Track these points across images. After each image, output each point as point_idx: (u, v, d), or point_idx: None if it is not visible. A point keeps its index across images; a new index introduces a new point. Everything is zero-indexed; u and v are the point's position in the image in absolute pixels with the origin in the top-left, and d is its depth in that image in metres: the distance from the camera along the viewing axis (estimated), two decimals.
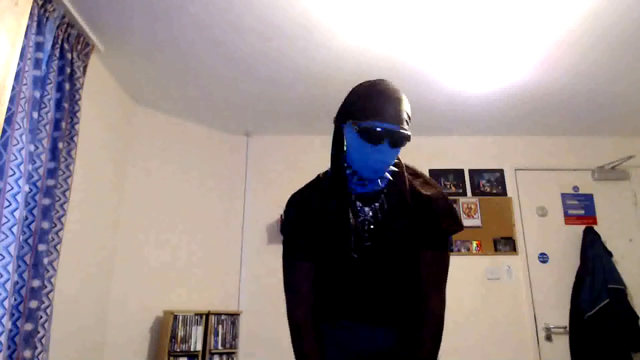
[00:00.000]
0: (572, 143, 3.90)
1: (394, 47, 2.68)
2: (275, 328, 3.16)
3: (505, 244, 3.65)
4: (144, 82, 3.14)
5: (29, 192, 2.08)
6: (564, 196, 3.76)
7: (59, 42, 2.28)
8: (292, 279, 1.32)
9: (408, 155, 1.43)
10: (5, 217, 1.83)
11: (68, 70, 2.35)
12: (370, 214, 1.28)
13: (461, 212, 3.71)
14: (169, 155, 3.57)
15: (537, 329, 3.44)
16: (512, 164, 3.86)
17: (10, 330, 1.95)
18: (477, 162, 3.88)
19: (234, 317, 3.24)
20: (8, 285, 1.82)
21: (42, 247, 2.09)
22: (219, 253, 3.62)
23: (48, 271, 2.15)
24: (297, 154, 3.89)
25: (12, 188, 1.86)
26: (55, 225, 2.22)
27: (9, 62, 1.62)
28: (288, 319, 1.30)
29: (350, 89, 1.29)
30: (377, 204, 1.28)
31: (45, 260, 2.10)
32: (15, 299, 1.98)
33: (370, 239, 1.25)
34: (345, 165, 1.29)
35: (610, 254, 3.42)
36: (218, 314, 3.18)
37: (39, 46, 2.09)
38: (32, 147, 2.05)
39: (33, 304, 2.03)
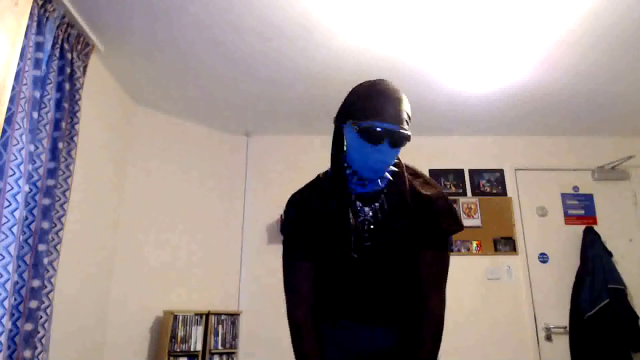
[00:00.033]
0: (572, 143, 3.90)
1: (394, 47, 2.68)
2: (275, 328, 3.16)
3: (505, 244, 3.65)
4: (144, 82, 3.14)
5: (29, 192, 2.08)
6: (564, 196, 3.76)
7: (59, 42, 2.28)
8: (292, 279, 1.32)
9: (408, 155, 1.43)
10: (5, 217, 1.83)
11: (68, 70, 2.35)
12: (370, 214, 1.28)
13: (461, 212, 3.71)
14: (169, 155, 3.57)
15: (537, 329, 3.44)
16: (512, 164, 3.86)
17: (10, 330, 1.95)
18: (477, 162, 3.88)
19: (234, 317, 3.24)
20: (8, 285, 1.82)
21: (42, 247, 2.09)
22: (219, 253, 3.62)
23: (48, 271, 2.15)
24: (297, 154, 3.89)
25: (12, 188, 1.86)
26: (55, 225, 2.22)
27: (9, 62, 1.62)
28: (288, 319, 1.30)
29: (350, 89, 1.29)
30: (377, 204, 1.28)
31: (45, 260, 2.10)
32: (15, 299, 1.98)
33: (370, 239, 1.25)
34: (345, 165, 1.29)
35: (610, 254, 3.42)
36: (218, 314, 3.18)
37: (39, 46, 2.09)
38: (32, 147, 2.05)
39: (33, 304, 2.03)
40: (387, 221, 1.27)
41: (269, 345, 3.34)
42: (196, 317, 3.10)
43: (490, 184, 3.82)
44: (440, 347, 1.24)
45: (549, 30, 2.51)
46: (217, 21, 2.47)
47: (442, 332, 1.24)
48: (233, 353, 3.14)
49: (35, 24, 2.03)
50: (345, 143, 1.28)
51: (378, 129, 1.16)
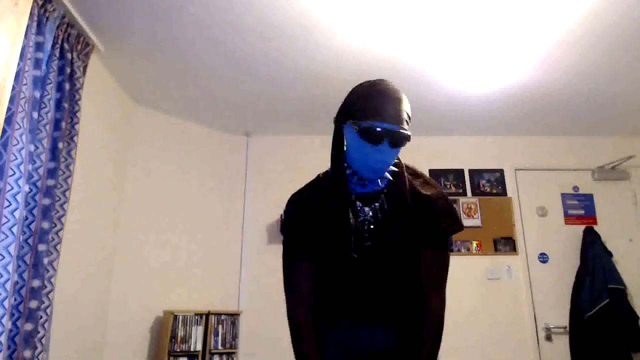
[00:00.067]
0: (572, 143, 3.90)
1: (394, 47, 2.68)
2: (275, 328, 3.16)
3: (505, 244, 3.65)
4: (144, 82, 3.14)
5: (29, 192, 2.08)
6: (564, 196, 3.76)
7: (59, 42, 2.28)
8: (292, 279, 1.32)
9: (408, 155, 1.43)
10: (5, 217, 1.83)
11: (68, 70, 2.35)
12: (370, 214, 1.28)
13: (461, 212, 3.71)
14: (169, 155, 3.57)
15: (537, 329, 3.44)
16: (512, 164, 3.86)
17: (10, 330, 1.95)
18: (477, 162, 3.88)
19: (234, 317, 3.24)
20: (8, 285, 1.82)
21: (42, 247, 2.09)
22: (219, 253, 3.62)
23: (48, 271, 2.15)
24: (297, 154, 3.89)
25: (12, 188, 1.86)
26: (55, 225, 2.22)
27: (9, 62, 1.62)
28: (288, 319, 1.30)
29: (350, 89, 1.29)
30: (377, 204, 1.28)
31: (45, 260, 2.10)
32: (15, 299, 1.98)
33: (370, 239, 1.25)
34: (345, 165, 1.29)
35: (610, 254, 3.42)
36: (218, 314, 3.18)
37: (39, 46, 2.09)
38: (32, 147, 2.05)
39: (33, 304, 2.03)
40: (387, 221, 1.27)
41: (269, 345, 3.34)
42: (196, 317, 3.10)
43: (490, 184, 3.82)
44: (440, 347, 1.24)
45: (549, 30, 2.51)
46: (217, 21, 2.47)
47: (442, 332, 1.24)
48: (233, 353, 3.14)
49: (35, 24, 2.03)
50: (345, 143, 1.28)
51: (378, 129, 1.16)
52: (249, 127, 3.84)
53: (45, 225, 2.12)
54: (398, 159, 1.33)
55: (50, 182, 2.19)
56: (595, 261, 3.35)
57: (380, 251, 1.25)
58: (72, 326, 2.59)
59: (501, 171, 3.85)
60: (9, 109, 1.83)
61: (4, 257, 1.82)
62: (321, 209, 1.29)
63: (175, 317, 3.03)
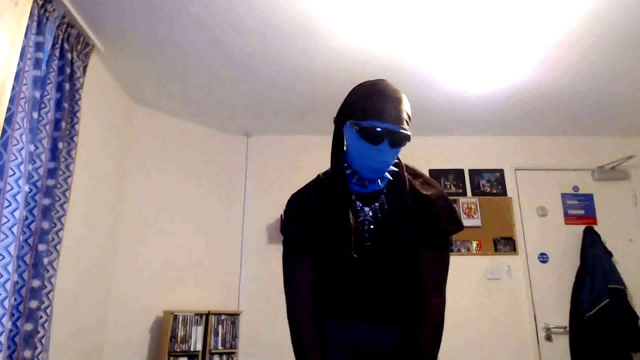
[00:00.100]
0: (572, 143, 3.90)
1: (394, 47, 2.68)
2: (275, 328, 3.16)
3: (505, 244, 3.65)
4: (144, 82, 3.14)
5: (29, 192, 2.08)
6: (564, 196, 3.76)
7: (59, 42, 2.28)
8: (292, 279, 1.32)
9: (408, 155, 1.43)
10: (5, 217, 1.83)
11: (68, 70, 2.35)
12: (370, 214, 1.28)
13: (461, 212, 3.71)
14: (169, 155, 3.57)
15: (537, 329, 3.44)
16: (512, 164, 3.86)
17: (10, 330, 1.95)
18: (477, 162, 3.88)
19: (234, 317, 3.24)
20: (8, 285, 1.81)
21: (42, 247, 2.09)
22: (219, 253, 3.62)
23: (48, 271, 2.15)
24: (297, 154, 3.89)
25: (12, 188, 1.86)
26: (55, 225, 2.22)
27: (9, 62, 1.62)
28: (288, 319, 1.30)
29: (350, 89, 1.29)
30: (377, 204, 1.28)
31: (45, 260, 2.10)
32: (15, 299, 1.98)
33: (370, 239, 1.25)
34: (345, 165, 1.29)
35: (610, 254, 3.42)
36: (218, 314, 3.19)
37: (39, 46, 2.09)
38: (32, 147, 2.05)
39: (33, 304, 2.03)
40: (387, 221, 1.27)
41: (269, 345, 3.34)
42: (196, 317, 3.10)
43: (490, 184, 3.82)
44: (440, 347, 1.24)
45: (549, 30, 2.51)
46: (217, 21, 2.47)
47: (442, 332, 1.24)
48: (233, 353, 3.14)
49: (35, 24, 2.03)
50: (345, 143, 1.28)
51: (378, 129, 1.16)
52: (249, 127, 3.84)
53: (45, 225, 2.12)
54: (398, 159, 1.33)
55: (50, 182, 2.19)
56: (595, 261, 3.35)
57: (380, 251, 1.25)
58: (72, 326, 2.59)
59: (501, 171, 3.85)
60: (9, 109, 1.83)
61: (4, 257, 1.82)
62: (321, 209, 1.29)
63: (175, 317, 3.03)
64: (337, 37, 2.60)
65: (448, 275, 1.30)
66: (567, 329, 3.36)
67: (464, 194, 3.78)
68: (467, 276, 3.55)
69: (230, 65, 2.89)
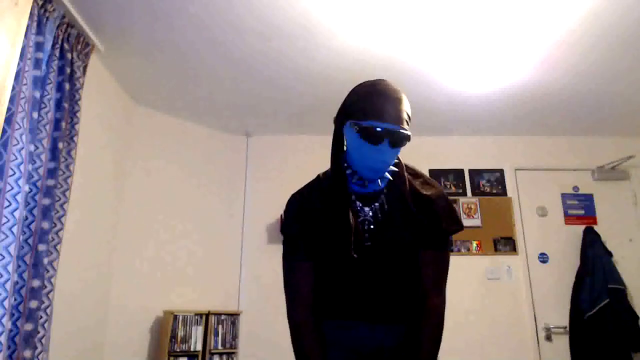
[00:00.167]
0: (572, 143, 3.90)
1: (394, 47, 2.68)
2: (275, 328, 3.16)
3: (505, 244, 3.65)
4: (144, 82, 3.14)
5: (29, 192, 2.08)
6: (564, 196, 3.76)
7: (59, 42, 2.28)
8: (292, 279, 1.32)
9: (408, 155, 1.43)
10: (5, 217, 1.83)
11: (68, 70, 2.35)
12: (370, 214, 1.28)
13: (461, 212, 3.71)
14: (169, 155, 3.57)
15: (537, 329, 3.44)
16: (512, 164, 3.86)
17: (10, 330, 1.95)
18: (477, 162, 3.88)
19: (234, 317, 3.24)
20: (8, 285, 1.81)
21: (42, 247, 2.09)
22: (219, 253, 3.62)
23: (48, 271, 2.15)
24: (297, 154, 3.89)
25: (12, 188, 1.86)
26: (55, 225, 2.22)
27: (9, 62, 1.62)
28: (288, 319, 1.30)
29: (350, 89, 1.29)
30: (377, 204, 1.28)
31: (45, 260, 2.10)
32: (15, 299, 1.98)
33: (370, 239, 1.25)
34: (345, 165, 1.29)
35: (610, 254, 3.42)
36: (218, 314, 3.19)
37: (39, 46, 2.09)
38: (32, 147, 2.05)
39: (33, 304, 2.03)
40: (387, 221, 1.27)
41: (269, 345, 3.34)
42: (196, 317, 3.10)
43: (490, 184, 3.82)
44: (440, 347, 1.24)
45: (549, 30, 2.51)
46: (217, 21, 2.47)
47: (442, 332, 1.24)
48: (233, 353, 3.14)
49: (35, 24, 2.03)
50: (345, 143, 1.28)
51: (378, 129, 1.16)
52: (249, 127, 3.84)
53: (45, 225, 2.12)
54: (398, 159, 1.33)
55: (50, 182, 2.19)
56: (595, 261, 3.35)
57: (380, 251, 1.25)
58: (72, 326, 2.59)
59: (501, 171, 3.85)
60: (9, 109, 1.83)
61: (4, 257, 1.82)
62: (321, 209, 1.29)
63: (175, 317, 3.03)
64: (337, 37, 2.60)
65: (448, 275, 1.30)
66: (567, 329, 3.36)
67: (464, 194, 3.79)
68: (467, 276, 3.55)
69: (230, 65, 2.89)
